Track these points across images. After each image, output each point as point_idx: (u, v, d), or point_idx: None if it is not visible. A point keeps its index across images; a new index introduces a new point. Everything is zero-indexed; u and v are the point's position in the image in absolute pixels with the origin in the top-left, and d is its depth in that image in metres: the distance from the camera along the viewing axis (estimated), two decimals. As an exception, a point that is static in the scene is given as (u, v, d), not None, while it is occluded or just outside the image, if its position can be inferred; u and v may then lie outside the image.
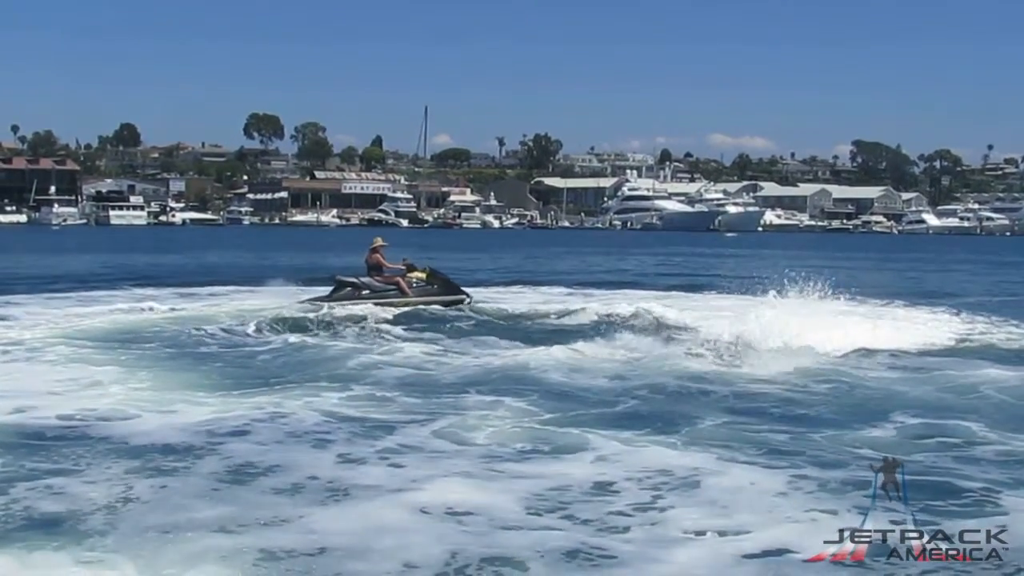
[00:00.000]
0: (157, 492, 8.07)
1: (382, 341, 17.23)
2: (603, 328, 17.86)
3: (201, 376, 13.65)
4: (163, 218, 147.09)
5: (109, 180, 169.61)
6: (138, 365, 14.38)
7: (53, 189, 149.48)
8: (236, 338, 17.56)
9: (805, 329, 17.33)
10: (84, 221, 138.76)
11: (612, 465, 9.05)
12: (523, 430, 10.45)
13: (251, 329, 18.25)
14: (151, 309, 21.20)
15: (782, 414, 11.45)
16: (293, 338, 17.31)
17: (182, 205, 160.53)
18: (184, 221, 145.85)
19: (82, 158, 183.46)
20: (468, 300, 22.69)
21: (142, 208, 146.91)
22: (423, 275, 22.79)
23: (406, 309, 21.16)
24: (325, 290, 22.64)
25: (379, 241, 23.14)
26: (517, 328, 18.61)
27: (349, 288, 22.13)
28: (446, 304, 22.02)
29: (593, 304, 22.84)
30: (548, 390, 12.67)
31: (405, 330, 18.56)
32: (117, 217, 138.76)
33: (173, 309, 21.27)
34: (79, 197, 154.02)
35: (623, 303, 22.76)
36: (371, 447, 9.64)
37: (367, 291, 22.03)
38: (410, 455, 9.36)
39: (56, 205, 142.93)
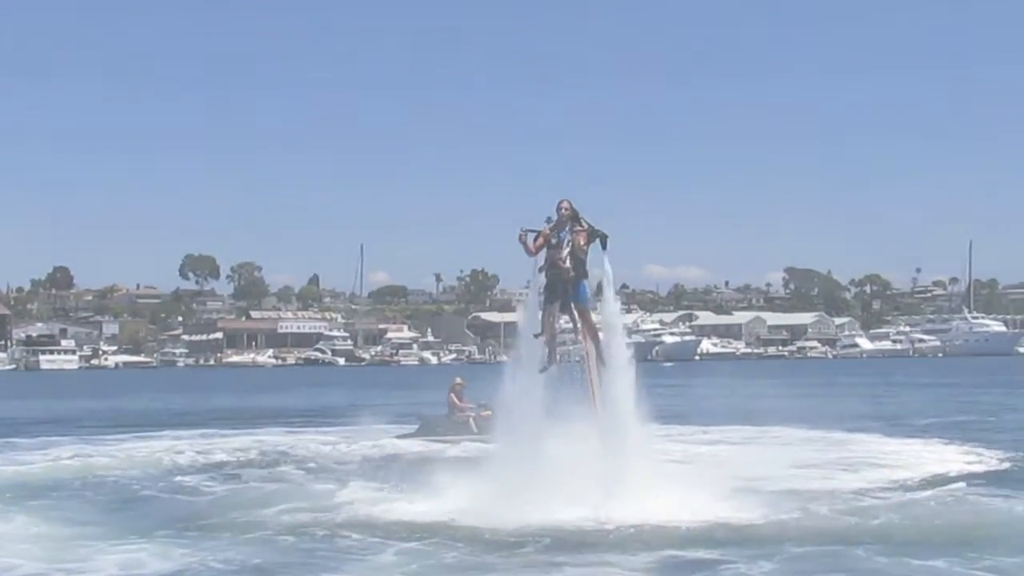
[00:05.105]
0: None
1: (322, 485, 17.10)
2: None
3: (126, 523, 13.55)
4: (95, 361, 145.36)
5: (40, 324, 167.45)
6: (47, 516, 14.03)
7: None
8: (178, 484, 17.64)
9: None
10: (13, 366, 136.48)
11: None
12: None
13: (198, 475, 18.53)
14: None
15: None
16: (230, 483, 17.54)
17: (115, 348, 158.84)
18: (117, 364, 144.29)
19: (13, 302, 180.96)
20: None
21: (73, 352, 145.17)
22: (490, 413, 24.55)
23: (472, 444, 22.50)
24: (411, 427, 25.75)
25: (457, 380, 25.95)
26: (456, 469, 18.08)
27: (428, 425, 25.21)
28: None
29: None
30: (476, 540, 12.42)
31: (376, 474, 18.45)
32: (47, 362, 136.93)
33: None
34: (8, 342, 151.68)
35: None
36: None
37: (440, 427, 24.79)
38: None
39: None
